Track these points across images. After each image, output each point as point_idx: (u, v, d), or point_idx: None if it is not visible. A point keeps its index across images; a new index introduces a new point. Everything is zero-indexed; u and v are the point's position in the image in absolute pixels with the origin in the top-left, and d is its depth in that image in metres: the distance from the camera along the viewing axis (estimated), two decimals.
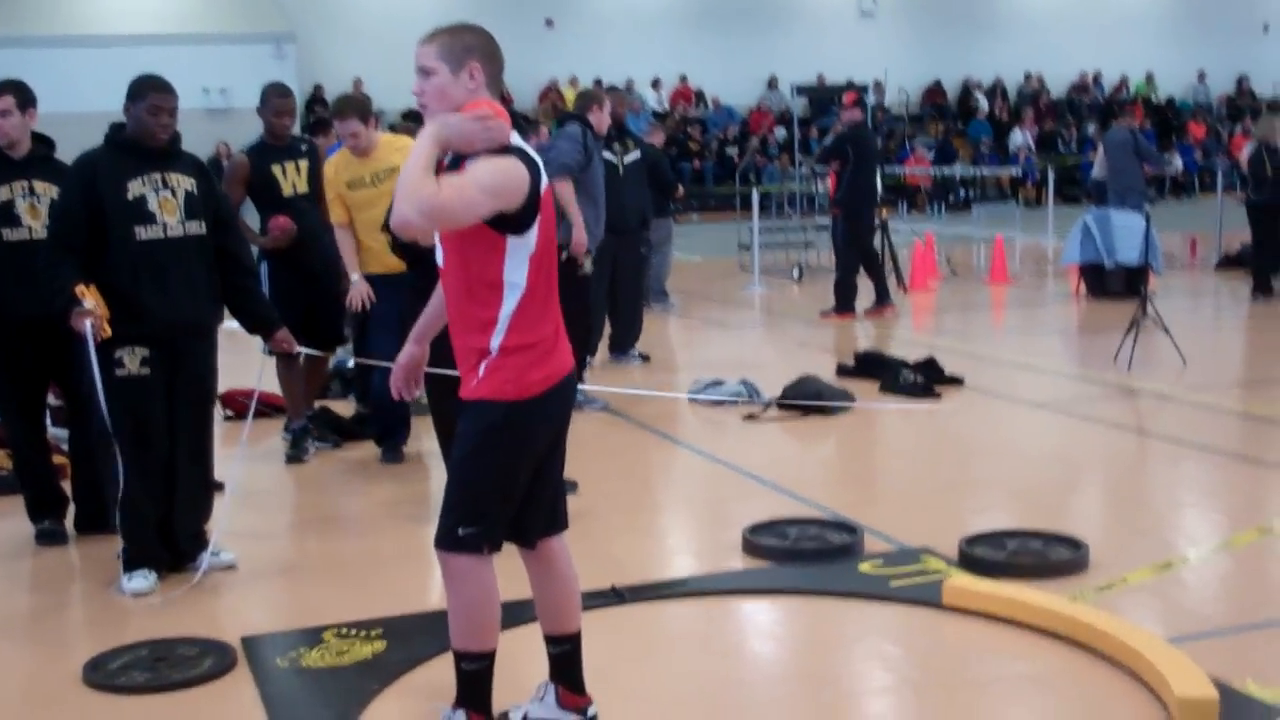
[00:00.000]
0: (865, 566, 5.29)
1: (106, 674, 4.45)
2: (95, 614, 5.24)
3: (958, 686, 4.30)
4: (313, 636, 4.69)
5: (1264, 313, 12.95)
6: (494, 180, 3.45)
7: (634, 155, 10.21)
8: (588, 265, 8.50)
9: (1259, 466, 6.93)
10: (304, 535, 6.41)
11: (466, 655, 3.71)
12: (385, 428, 7.47)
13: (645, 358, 10.79)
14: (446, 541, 3.64)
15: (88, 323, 5.12)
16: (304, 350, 6.47)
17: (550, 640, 3.89)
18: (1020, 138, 28.93)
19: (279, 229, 7.25)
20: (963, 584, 4.91)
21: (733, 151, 27.80)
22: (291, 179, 7.37)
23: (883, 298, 12.84)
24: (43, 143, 6.01)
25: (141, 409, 5.29)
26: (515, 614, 4.42)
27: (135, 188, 5.31)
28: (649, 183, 12.26)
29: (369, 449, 7.65)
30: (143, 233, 5.30)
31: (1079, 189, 23.93)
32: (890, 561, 5.34)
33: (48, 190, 5.81)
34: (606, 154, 9.74)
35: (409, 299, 5.73)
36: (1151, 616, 4.75)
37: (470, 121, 3.49)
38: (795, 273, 16.40)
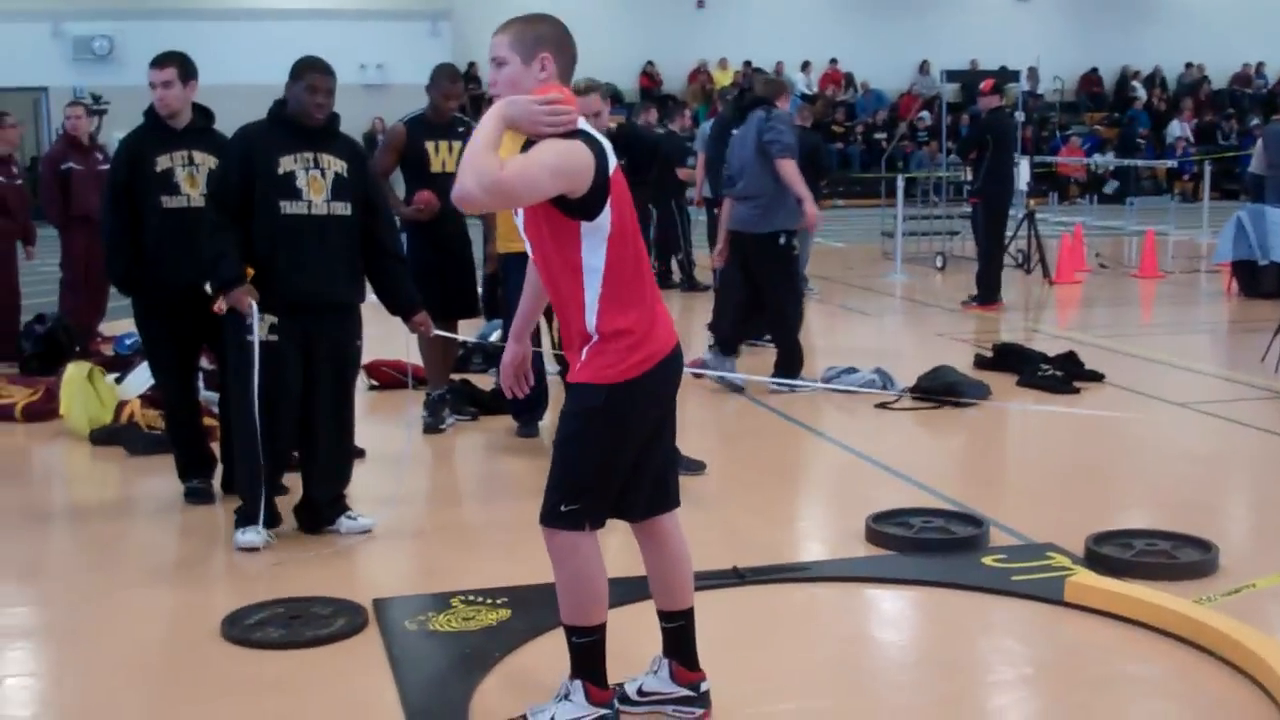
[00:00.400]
0: (988, 560, 5.28)
1: (243, 629, 4.64)
2: (236, 571, 5.45)
3: (1076, 684, 4.28)
4: (441, 601, 4.84)
5: None
6: (557, 160, 3.50)
7: None
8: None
9: None
10: (437, 504, 6.57)
11: (576, 629, 3.79)
12: (522, 402, 7.62)
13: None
14: (550, 518, 3.72)
15: (251, 301, 5.40)
16: (440, 334, 6.62)
17: (663, 616, 3.96)
18: (1179, 129, 28.24)
19: (423, 202, 7.44)
20: (1086, 581, 4.88)
21: (880, 136, 27.56)
22: (443, 156, 7.56)
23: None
24: (203, 114, 6.24)
25: (265, 374, 5.47)
26: (631, 590, 4.52)
27: (286, 163, 5.51)
28: (805, 167, 12.30)
29: (506, 422, 7.81)
30: (287, 207, 5.49)
31: (1237, 184, 23.32)
32: (1014, 556, 5.33)
33: (206, 160, 6.05)
34: None
35: None
36: (1277, 623, 4.67)
37: (537, 104, 3.54)
38: (938, 261, 16.25)
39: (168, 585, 5.33)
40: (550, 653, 4.16)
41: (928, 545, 5.49)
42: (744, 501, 6.30)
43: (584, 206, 3.58)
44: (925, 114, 27.40)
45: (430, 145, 7.53)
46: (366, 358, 6.11)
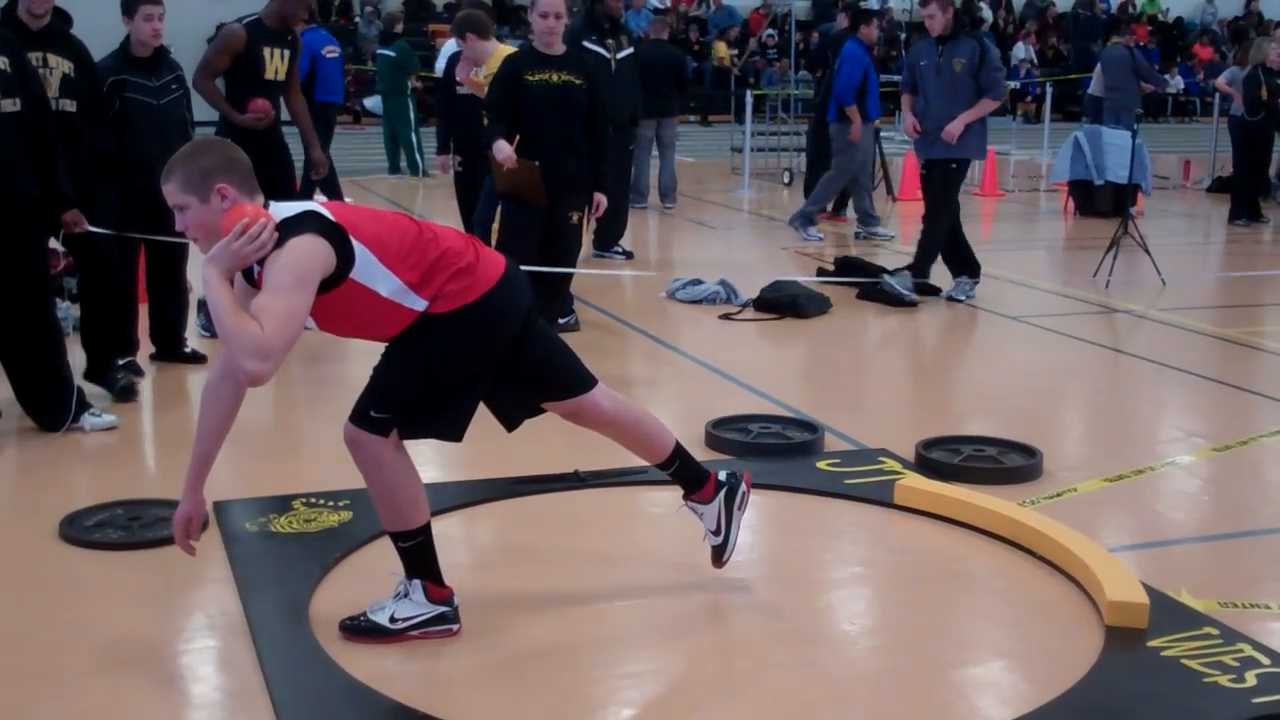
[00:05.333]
0: (822, 464, 5.43)
1: (81, 529, 4.60)
2: (70, 473, 5.37)
3: (904, 582, 4.45)
4: (282, 504, 4.84)
5: (1246, 236, 13.05)
6: (296, 276, 3.39)
7: (627, 51, 10.21)
8: None
9: (1224, 387, 7.06)
10: (279, 407, 6.53)
11: (400, 535, 3.84)
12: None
13: (628, 254, 10.89)
14: (358, 417, 3.70)
15: None
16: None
17: (660, 468, 4.19)
18: (1023, 51, 28.76)
19: (262, 110, 7.31)
20: (914, 484, 5.05)
21: (732, 53, 27.61)
22: (275, 64, 7.42)
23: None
24: (61, 17, 6.13)
25: None
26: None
27: None
28: (661, 80, 12.35)
29: None
30: None
31: (1079, 106, 23.89)
32: (847, 460, 5.48)
33: (60, 64, 5.99)
34: (599, 48, 9.76)
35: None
36: (1096, 526, 4.89)
37: (234, 243, 3.40)
38: (785, 177, 16.43)
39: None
40: (391, 554, 4.18)
41: (764, 450, 5.63)
42: None
43: (340, 271, 3.49)
44: (772, 31, 27.50)
45: (267, 51, 7.38)
46: None
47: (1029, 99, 27.23)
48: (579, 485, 5.16)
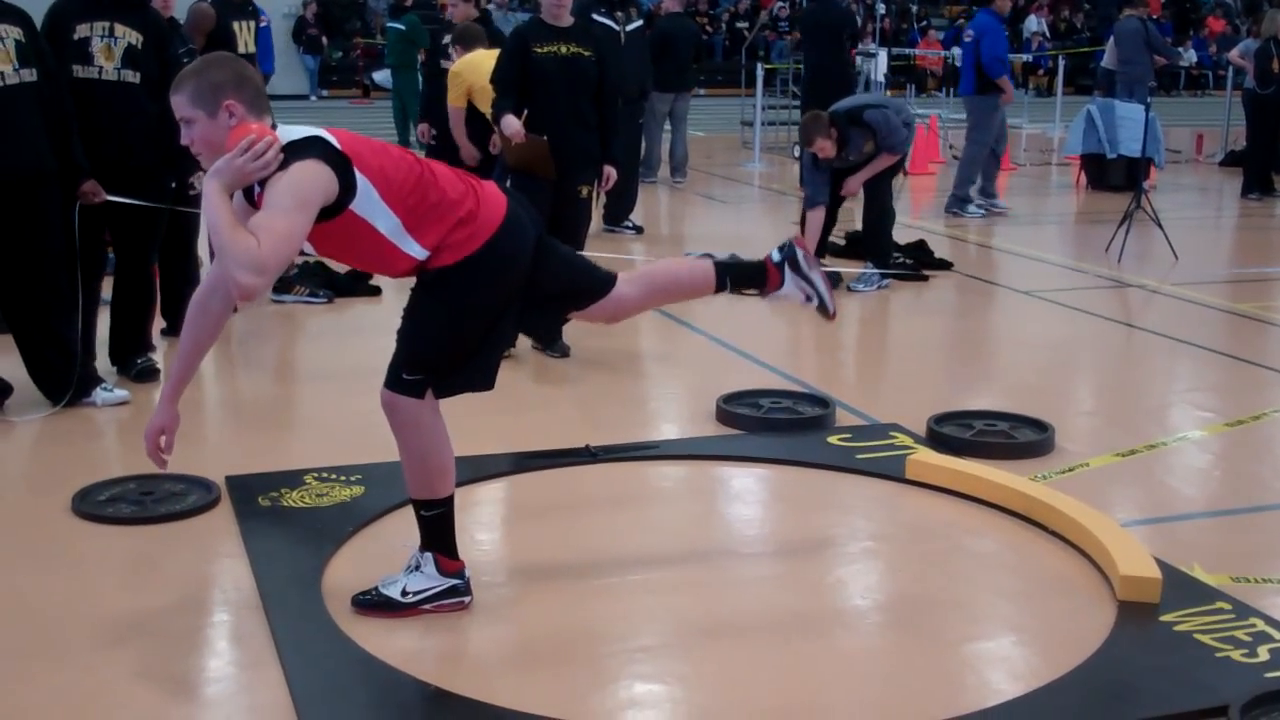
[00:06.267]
0: (834, 439, 5.42)
1: (94, 504, 4.61)
2: (83, 448, 5.38)
3: (915, 557, 4.44)
4: (294, 478, 4.84)
5: (1260, 210, 12.99)
6: (296, 197, 3.36)
7: (636, 23, 10.18)
8: None
9: (1236, 362, 7.04)
10: (292, 383, 6.55)
11: (424, 503, 3.83)
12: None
13: (639, 229, 10.88)
14: (392, 383, 3.68)
15: None
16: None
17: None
18: (1035, 24, 28.64)
19: None
20: (926, 459, 5.04)
21: (742, 26, 27.52)
22: (244, 37, 7.43)
23: None
24: None
25: None
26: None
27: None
28: (678, 54, 12.33)
29: (360, 304, 7.77)
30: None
31: (1091, 79, 23.81)
32: (859, 435, 5.48)
33: (127, 34, 5.96)
34: (608, 20, 9.74)
35: None
36: (1109, 501, 4.88)
37: (238, 159, 3.39)
38: (795, 151, 16.36)
39: (11, 466, 5.25)
40: (403, 528, 4.19)
41: (775, 425, 5.62)
42: (598, 383, 6.37)
43: (341, 200, 3.47)
44: (784, 3, 27.40)
45: (236, 26, 7.40)
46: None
47: (1041, 72, 27.13)
48: (590, 460, 5.16)
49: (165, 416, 3.80)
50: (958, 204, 12.07)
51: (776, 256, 4.14)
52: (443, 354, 3.72)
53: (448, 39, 8.94)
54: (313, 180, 3.39)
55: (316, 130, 3.54)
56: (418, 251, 3.61)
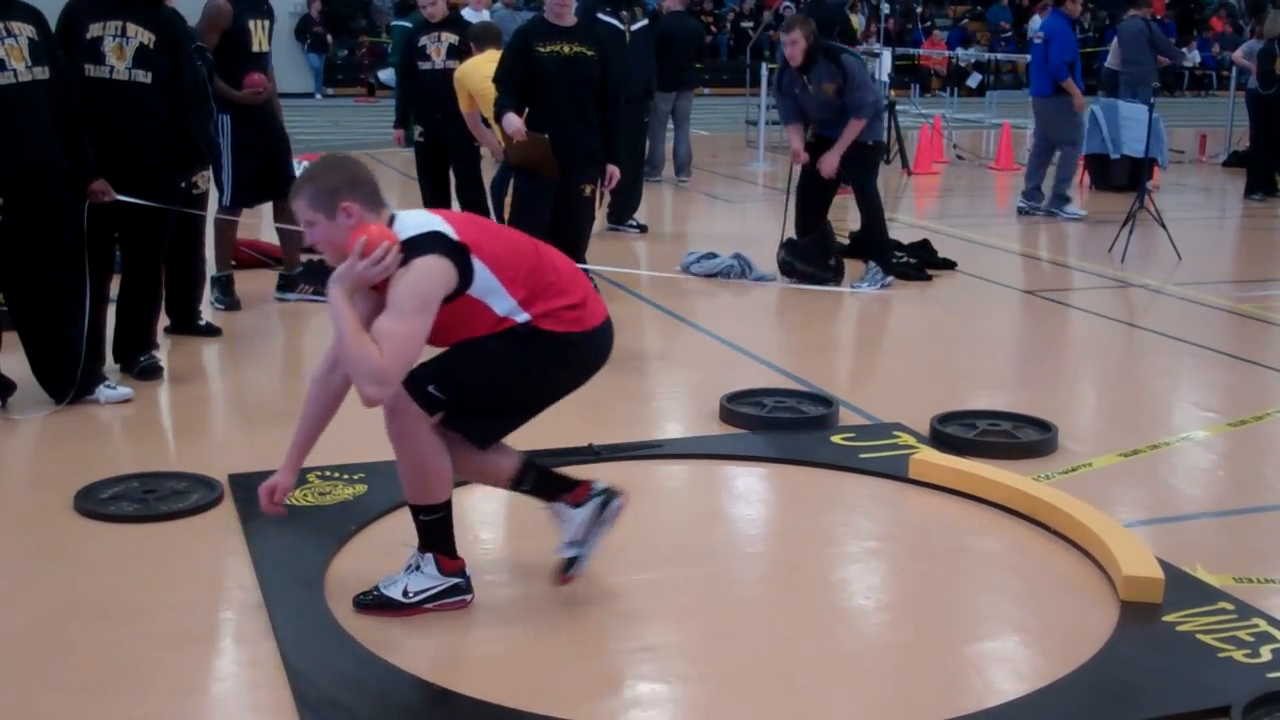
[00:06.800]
0: (837, 438, 5.42)
1: (97, 502, 4.61)
2: (86, 446, 5.39)
3: (919, 556, 4.44)
4: (297, 476, 4.82)
5: (1263, 210, 12.98)
6: (419, 298, 3.48)
7: (641, 23, 10.18)
8: None
9: (1239, 363, 7.04)
10: (295, 380, 6.54)
11: (422, 508, 3.84)
12: None
13: (643, 228, 10.88)
14: (411, 383, 3.64)
15: None
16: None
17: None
18: (1038, 24, 28.60)
19: (260, 84, 7.30)
20: (929, 458, 5.04)
21: (747, 25, 27.51)
22: (259, 35, 7.41)
23: None
24: None
25: None
26: None
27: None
28: (680, 53, 12.34)
29: None
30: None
31: (1095, 79, 23.79)
32: (862, 435, 5.48)
33: (140, 34, 5.96)
34: (613, 20, 9.74)
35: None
36: (1112, 500, 4.88)
37: (357, 265, 3.48)
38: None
39: (16, 462, 5.26)
40: (405, 527, 4.19)
41: (779, 424, 5.62)
42: (602, 382, 6.33)
43: (459, 288, 3.58)
44: (789, 2, 27.37)
45: (251, 24, 7.38)
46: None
47: None
48: (594, 459, 5.16)
49: (281, 477, 3.91)
50: (1059, 203, 12.12)
51: (599, 486, 4.04)
52: (484, 395, 3.75)
53: (436, 39, 8.94)
54: (433, 278, 3.51)
55: (434, 222, 3.62)
56: (523, 317, 3.68)
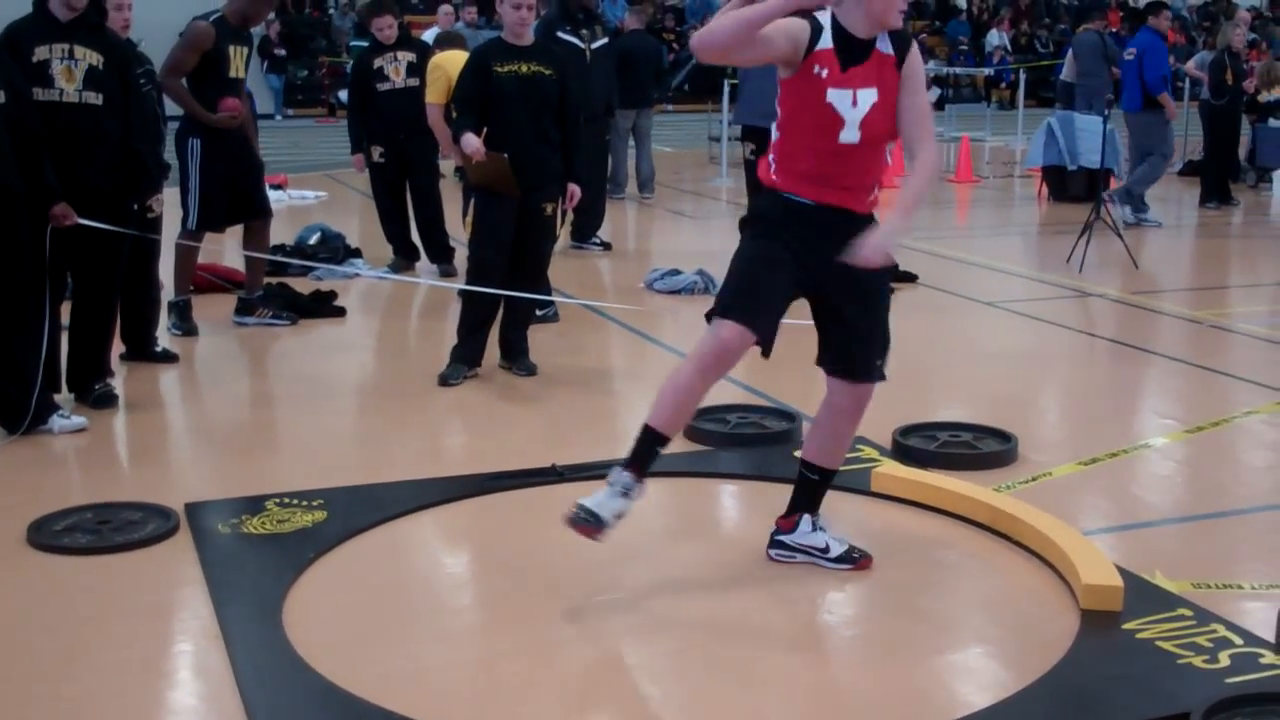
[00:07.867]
0: (800, 453, 5.40)
1: (50, 534, 4.55)
2: (38, 476, 5.33)
3: (882, 569, 4.42)
4: (255, 504, 4.80)
5: (1218, 218, 13.09)
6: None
7: (601, 41, 10.19)
8: None
9: (1196, 370, 7.08)
10: (253, 407, 6.51)
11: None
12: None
13: (606, 245, 10.87)
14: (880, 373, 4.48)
15: None
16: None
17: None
18: (996, 38, 28.80)
19: (234, 109, 7.27)
20: (891, 471, 5.04)
21: None
22: (237, 62, 7.39)
23: None
24: (95, 9, 6.13)
25: None
26: None
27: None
28: (640, 71, 12.37)
29: (322, 326, 7.74)
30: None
31: (1053, 91, 23.95)
32: None
33: (88, 55, 5.93)
34: (573, 38, 9.74)
35: None
36: (1071, 509, 4.89)
37: None
38: None
39: None
40: (365, 553, 4.17)
41: (742, 440, 5.62)
42: (565, 401, 6.35)
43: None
44: None
45: (231, 49, 7.35)
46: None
47: (1003, 85, 27.27)
48: (557, 479, 5.13)
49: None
50: (1136, 202, 12.31)
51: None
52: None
53: (393, 59, 9.07)
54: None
55: None
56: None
